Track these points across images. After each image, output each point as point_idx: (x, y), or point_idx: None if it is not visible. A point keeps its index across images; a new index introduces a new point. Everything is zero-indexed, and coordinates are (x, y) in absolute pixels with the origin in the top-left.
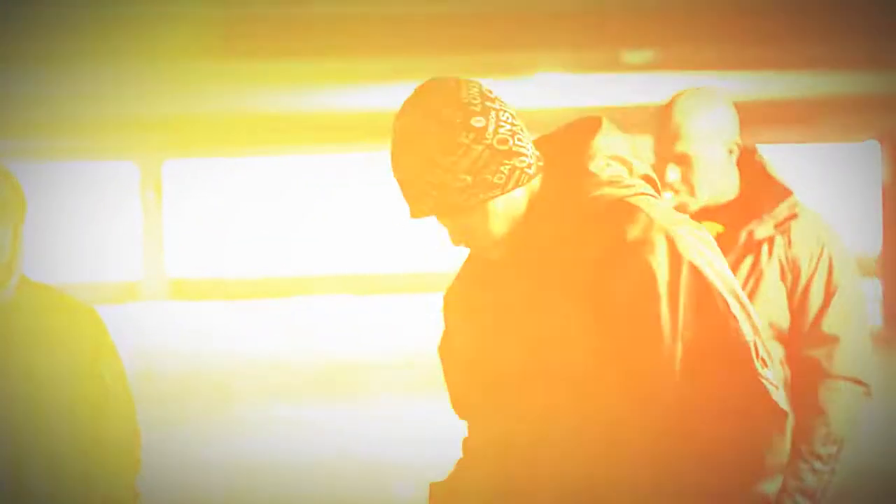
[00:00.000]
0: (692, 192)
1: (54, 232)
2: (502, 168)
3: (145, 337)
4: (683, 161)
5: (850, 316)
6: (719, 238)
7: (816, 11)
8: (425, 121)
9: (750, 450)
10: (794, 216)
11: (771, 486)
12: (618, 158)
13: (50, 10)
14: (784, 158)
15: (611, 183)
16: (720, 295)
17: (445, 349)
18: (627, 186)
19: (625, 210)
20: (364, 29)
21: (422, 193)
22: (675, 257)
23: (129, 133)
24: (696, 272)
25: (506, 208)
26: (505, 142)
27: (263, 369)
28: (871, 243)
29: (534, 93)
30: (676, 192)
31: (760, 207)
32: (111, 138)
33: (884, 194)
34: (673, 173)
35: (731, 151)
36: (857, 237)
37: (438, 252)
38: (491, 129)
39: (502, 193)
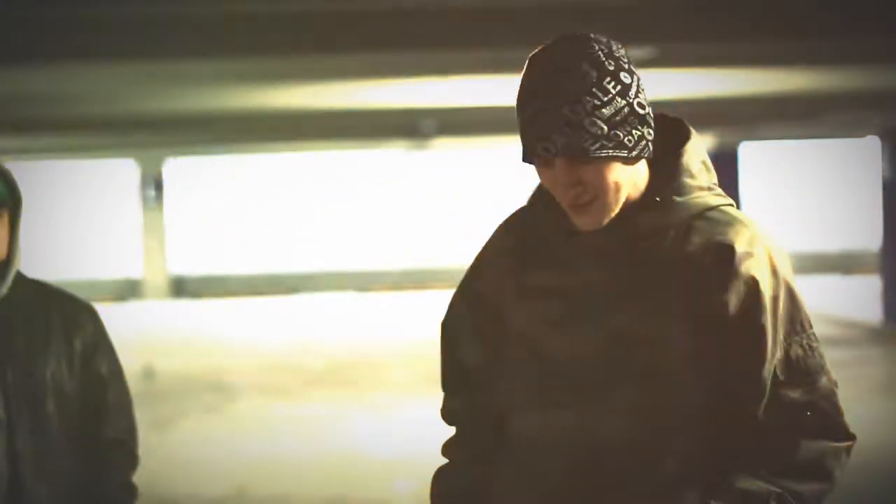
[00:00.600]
0: None
1: (55, 230)
2: (634, 131)
3: (145, 334)
4: None
5: None
6: None
7: (818, 7)
8: (579, 59)
9: (823, 468)
10: None
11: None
12: (705, 165)
13: (50, 9)
14: (786, 154)
15: (710, 189)
16: (806, 315)
17: (484, 331)
18: (722, 195)
19: (725, 219)
20: (366, 26)
21: (554, 130)
22: (775, 273)
23: (130, 131)
24: (790, 290)
25: (622, 177)
26: (643, 107)
27: (264, 367)
28: (871, 239)
29: None
30: None
31: None
32: (112, 136)
33: (884, 190)
34: None
35: None
36: (858, 232)
37: (441, 250)
38: (634, 89)
39: (627, 156)
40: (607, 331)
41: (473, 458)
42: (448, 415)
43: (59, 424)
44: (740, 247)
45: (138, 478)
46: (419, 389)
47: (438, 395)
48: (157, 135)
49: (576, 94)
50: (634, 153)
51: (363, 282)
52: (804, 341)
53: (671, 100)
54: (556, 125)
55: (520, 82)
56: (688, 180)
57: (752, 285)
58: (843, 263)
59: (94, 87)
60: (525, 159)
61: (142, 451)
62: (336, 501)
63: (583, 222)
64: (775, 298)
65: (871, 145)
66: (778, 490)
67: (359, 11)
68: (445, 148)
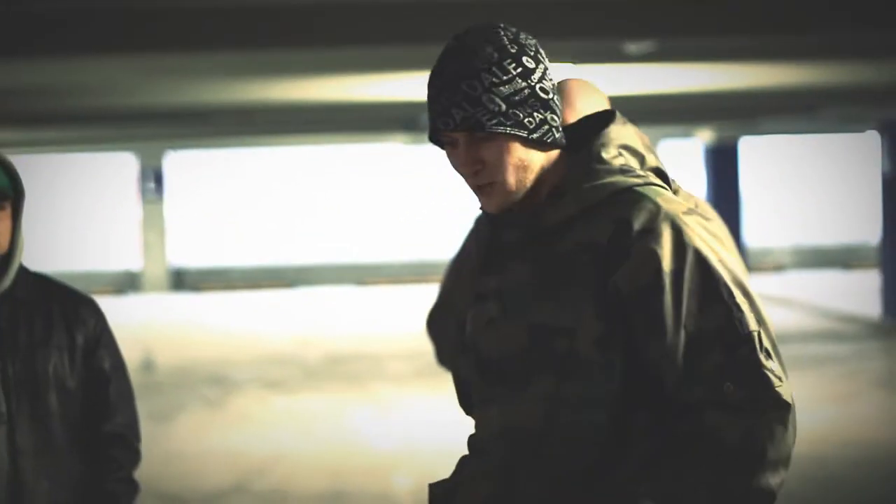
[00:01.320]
0: None
1: (55, 222)
2: (536, 114)
3: (145, 327)
4: None
5: None
6: None
7: (817, 2)
8: (481, 42)
9: (751, 442)
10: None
11: (774, 479)
12: (629, 149)
13: (49, 2)
14: (785, 148)
15: (622, 171)
16: (725, 284)
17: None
18: (637, 176)
19: (632, 198)
20: (365, 19)
21: (453, 104)
22: (680, 246)
23: (130, 124)
24: (701, 261)
25: (522, 159)
26: (546, 92)
27: (263, 360)
28: (870, 233)
29: None
30: None
31: None
32: (112, 129)
33: (883, 184)
34: None
35: None
36: (858, 227)
37: (440, 242)
38: (539, 74)
39: (527, 137)
40: (528, 325)
41: None
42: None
43: (61, 419)
44: (637, 223)
45: (137, 470)
46: (418, 382)
47: (437, 388)
48: (157, 127)
49: (475, 71)
50: (535, 135)
51: (362, 275)
52: (722, 311)
53: (670, 94)
54: (456, 100)
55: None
56: (597, 166)
57: (649, 260)
58: (842, 258)
59: (93, 81)
60: (431, 139)
61: (141, 444)
62: (335, 494)
63: (486, 204)
64: (678, 271)
65: (870, 139)
66: (701, 478)
67: (358, 5)
68: None
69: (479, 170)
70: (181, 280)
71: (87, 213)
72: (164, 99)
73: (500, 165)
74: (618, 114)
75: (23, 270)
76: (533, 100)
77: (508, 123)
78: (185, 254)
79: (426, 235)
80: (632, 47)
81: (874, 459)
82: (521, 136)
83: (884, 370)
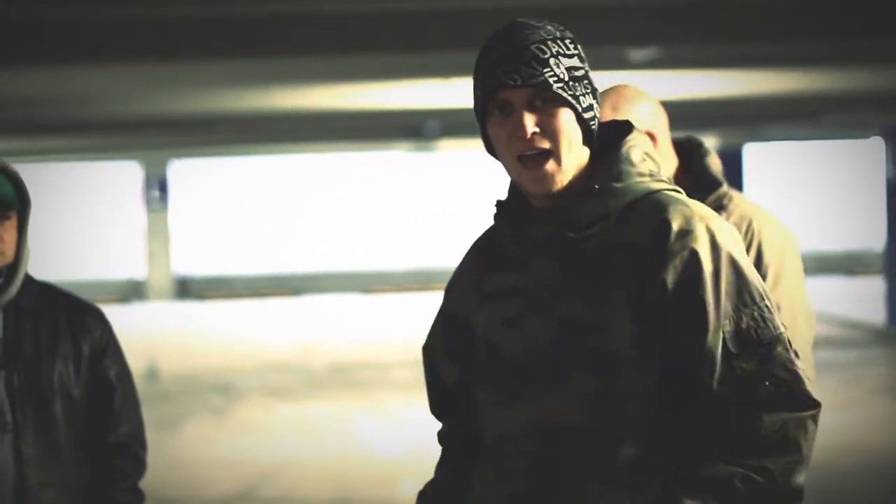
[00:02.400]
0: None
1: (60, 231)
2: (588, 95)
3: (150, 335)
4: None
5: (787, 311)
6: None
7: (821, 8)
8: (542, 22)
9: (789, 438)
10: (722, 207)
11: (804, 477)
12: (650, 157)
13: (53, 12)
14: (789, 154)
15: (651, 175)
16: (756, 286)
17: (456, 348)
18: (664, 181)
19: (666, 200)
20: (369, 28)
21: (521, 63)
22: (716, 248)
23: (134, 132)
24: (734, 263)
25: (572, 136)
26: (594, 83)
27: (268, 368)
28: (875, 239)
29: None
30: None
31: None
32: (116, 138)
33: (888, 190)
34: None
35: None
36: (862, 233)
37: (444, 250)
38: (588, 65)
39: (580, 112)
40: (559, 321)
41: (452, 472)
42: (439, 437)
43: (66, 428)
44: (676, 224)
45: (143, 478)
46: (423, 390)
47: None
48: (162, 136)
49: (542, 38)
50: (587, 115)
51: (367, 282)
52: (755, 313)
53: (675, 100)
54: (525, 59)
55: (479, 54)
56: (627, 167)
57: (690, 260)
58: (846, 264)
59: (98, 90)
60: (477, 110)
61: (147, 452)
62: (340, 502)
63: (534, 178)
64: (716, 272)
65: (875, 146)
66: (741, 470)
67: (361, 13)
68: (449, 149)
69: (535, 133)
70: (186, 288)
71: (91, 222)
72: (168, 107)
73: (557, 132)
74: (632, 123)
75: (28, 280)
76: (587, 81)
77: (569, 92)
78: (189, 262)
79: (431, 243)
80: (635, 54)
81: (879, 466)
82: (576, 110)
83: (888, 377)
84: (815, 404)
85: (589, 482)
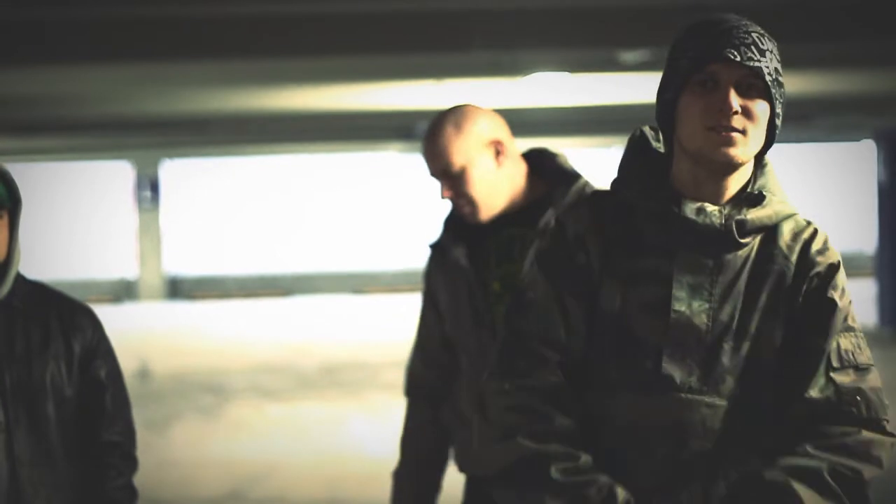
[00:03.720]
0: (475, 203)
1: (51, 230)
2: (780, 99)
3: (141, 335)
4: (454, 177)
5: None
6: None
7: (812, 10)
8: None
9: (871, 454)
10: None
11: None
12: None
13: (45, 12)
14: (780, 157)
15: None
16: (854, 316)
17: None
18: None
19: (808, 223)
20: (361, 29)
21: (743, 43)
22: (843, 273)
23: (126, 132)
24: (847, 292)
25: (761, 134)
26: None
27: (259, 368)
28: (866, 242)
29: (528, 92)
30: (460, 207)
31: (554, 198)
32: (108, 137)
33: (879, 193)
34: (446, 191)
35: (497, 153)
36: (853, 235)
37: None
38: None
39: (773, 112)
40: (710, 320)
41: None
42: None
43: (58, 427)
44: (819, 242)
45: (135, 479)
46: None
47: None
48: (153, 136)
49: (761, 32)
50: (777, 120)
51: (358, 283)
52: (855, 338)
53: None
54: (747, 41)
55: (687, 29)
56: (779, 185)
57: (829, 272)
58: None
59: (89, 89)
60: (679, 81)
61: (138, 451)
62: (331, 502)
63: (724, 142)
64: (844, 290)
65: (866, 148)
66: (833, 459)
67: (354, 14)
68: None
69: (737, 113)
70: (177, 288)
71: (83, 222)
72: (159, 108)
73: (756, 118)
74: None
75: (20, 279)
76: (783, 91)
77: (773, 88)
78: (181, 262)
79: (422, 244)
80: (626, 56)
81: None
82: (772, 109)
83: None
84: (893, 435)
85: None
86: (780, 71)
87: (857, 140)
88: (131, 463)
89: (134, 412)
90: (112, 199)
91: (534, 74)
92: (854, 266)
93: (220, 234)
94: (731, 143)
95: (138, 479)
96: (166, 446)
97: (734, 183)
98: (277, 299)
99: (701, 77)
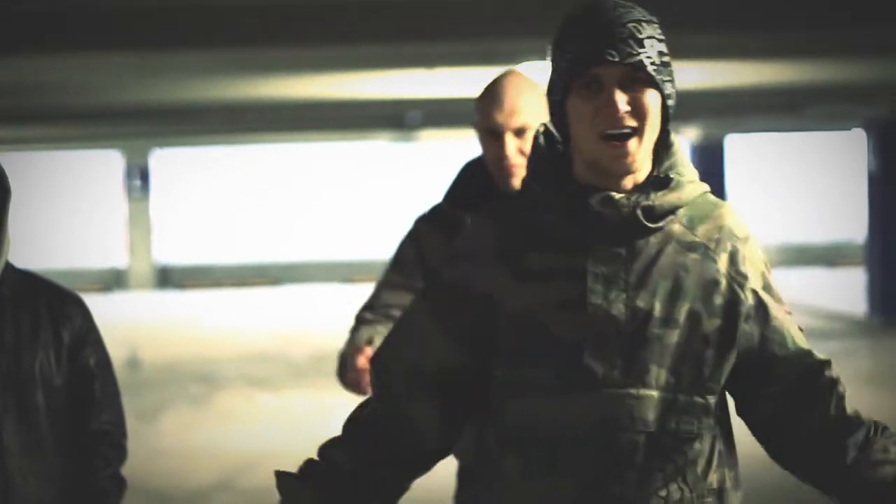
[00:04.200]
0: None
1: (41, 219)
2: (671, 83)
3: (131, 324)
4: (520, 134)
5: None
6: None
7: (802, 0)
8: (634, 3)
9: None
10: None
11: None
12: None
13: (35, 2)
14: (771, 146)
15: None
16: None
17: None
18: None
19: (720, 203)
20: (349, 17)
21: (620, 40)
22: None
23: (116, 121)
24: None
25: (654, 123)
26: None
27: (249, 357)
28: (856, 231)
29: None
30: (514, 167)
31: None
32: (98, 126)
33: (869, 182)
34: (512, 144)
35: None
36: (844, 225)
37: None
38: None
39: (665, 98)
40: (630, 311)
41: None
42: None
43: (47, 417)
44: (733, 216)
45: (123, 468)
46: None
47: None
48: (143, 125)
49: (638, 18)
50: (669, 102)
51: (348, 272)
52: (783, 303)
53: None
54: (623, 35)
55: (565, 25)
56: (688, 164)
57: (751, 243)
58: (828, 255)
59: (79, 78)
60: (563, 84)
61: (128, 441)
62: None
63: (617, 155)
64: (766, 263)
65: (856, 137)
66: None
67: (344, 3)
68: (431, 139)
69: (627, 112)
70: (167, 277)
71: (73, 211)
72: (150, 97)
73: (646, 111)
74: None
75: (9, 268)
76: (671, 69)
77: (660, 76)
78: (171, 251)
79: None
80: None
81: None
82: (662, 95)
83: (870, 367)
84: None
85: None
86: (665, 51)
87: (848, 129)
88: (120, 452)
89: (124, 401)
90: (102, 189)
91: (525, 63)
92: (845, 255)
93: (210, 224)
94: (625, 153)
95: (127, 469)
96: (156, 436)
97: (639, 170)
98: (268, 288)
99: (584, 80)
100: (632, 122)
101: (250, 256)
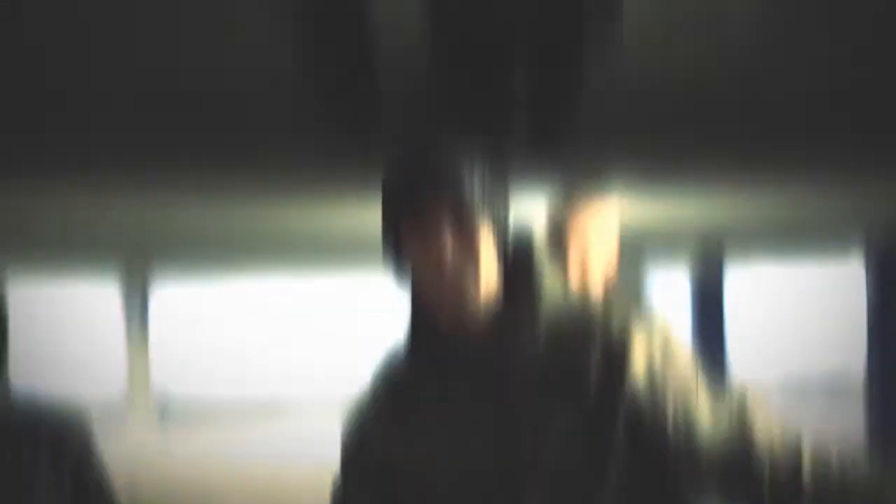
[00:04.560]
0: None
1: (40, 350)
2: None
3: (130, 458)
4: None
5: None
6: None
7: (797, 137)
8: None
9: None
10: None
11: None
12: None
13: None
14: (770, 276)
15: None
16: None
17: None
18: None
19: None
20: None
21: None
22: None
23: (115, 251)
24: None
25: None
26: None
27: (251, 493)
28: (856, 361)
29: None
30: None
31: None
32: (96, 259)
33: (868, 313)
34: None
35: None
36: (843, 355)
37: None
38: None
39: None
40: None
41: None
42: None
43: None
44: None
45: None
46: None
47: None
48: (143, 257)
49: (443, 154)
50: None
51: (344, 402)
52: None
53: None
54: (427, 194)
55: (383, 186)
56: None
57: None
58: (828, 385)
59: (80, 205)
60: (397, 227)
61: None
62: None
63: (463, 311)
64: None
65: (854, 268)
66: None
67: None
68: None
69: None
70: (167, 412)
71: (71, 343)
72: (148, 222)
73: (474, 247)
74: None
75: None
76: (483, 180)
77: (477, 205)
78: (170, 384)
79: None
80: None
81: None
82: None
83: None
84: None
85: None
86: (475, 164)
87: (846, 260)
88: None
89: None
90: (100, 319)
91: None
92: (844, 385)
93: (211, 356)
94: (466, 299)
95: None
96: None
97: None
98: (270, 422)
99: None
100: (462, 264)
101: (252, 390)
